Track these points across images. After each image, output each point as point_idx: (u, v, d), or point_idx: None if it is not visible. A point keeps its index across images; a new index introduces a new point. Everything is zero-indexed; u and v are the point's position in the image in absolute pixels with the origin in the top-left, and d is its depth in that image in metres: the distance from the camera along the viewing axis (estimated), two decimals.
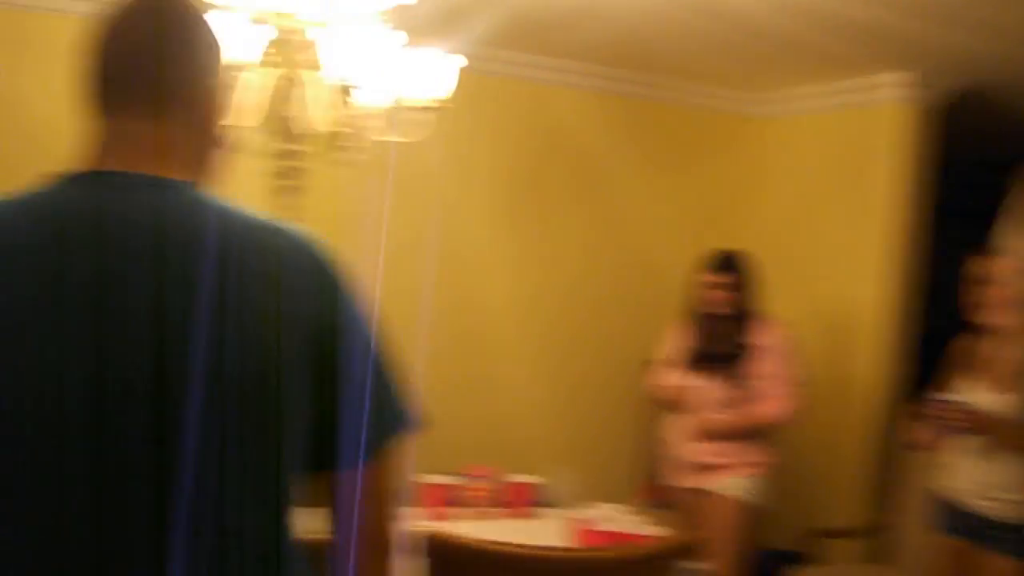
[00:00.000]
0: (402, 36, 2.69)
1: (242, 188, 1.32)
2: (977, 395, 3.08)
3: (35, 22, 3.86)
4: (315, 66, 2.48)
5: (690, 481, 3.83)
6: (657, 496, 4.07)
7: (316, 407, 1.09)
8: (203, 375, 0.99)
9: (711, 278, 3.78)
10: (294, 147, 2.69)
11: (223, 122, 1.22)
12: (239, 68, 2.36)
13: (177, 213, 1.08)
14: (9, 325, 1.00)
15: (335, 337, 1.10)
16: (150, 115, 1.13)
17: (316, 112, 2.50)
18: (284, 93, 2.46)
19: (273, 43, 2.43)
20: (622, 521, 3.11)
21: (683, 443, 3.84)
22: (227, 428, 1.03)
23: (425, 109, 2.83)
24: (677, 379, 3.86)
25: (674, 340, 3.98)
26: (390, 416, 1.16)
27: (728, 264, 3.79)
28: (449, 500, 3.24)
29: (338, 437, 1.11)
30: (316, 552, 1.16)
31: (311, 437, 1.10)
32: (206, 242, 1.05)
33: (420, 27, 3.00)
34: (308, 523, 1.16)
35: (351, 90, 2.55)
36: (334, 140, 2.76)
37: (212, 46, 1.18)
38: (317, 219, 1.32)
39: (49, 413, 1.00)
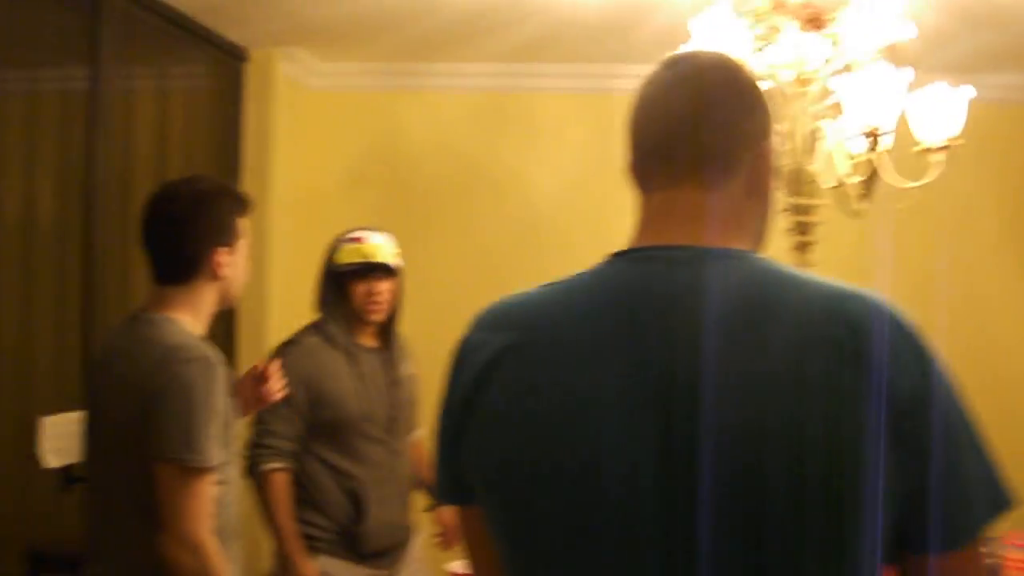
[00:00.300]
0: (909, 73, 2.50)
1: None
2: None
3: (540, 101, 4.22)
4: (833, 115, 2.39)
5: None
6: None
7: (901, 486, 0.98)
8: (783, 462, 0.94)
9: None
10: (812, 201, 2.60)
11: (775, 187, 1.17)
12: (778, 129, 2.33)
13: (741, 282, 1.02)
14: (586, 411, 1.01)
15: (925, 408, 0.98)
16: (692, 185, 1.09)
17: (838, 162, 2.40)
18: (808, 146, 2.40)
19: (789, 96, 2.39)
20: None
21: None
22: (802, 509, 0.96)
23: (940, 149, 2.59)
24: None
25: None
26: (987, 495, 1.01)
27: None
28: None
29: (927, 521, 0.98)
30: None
31: (891, 520, 0.99)
32: (780, 313, 0.99)
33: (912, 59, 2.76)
34: None
35: (872, 135, 2.42)
36: (852, 189, 2.63)
37: (757, 108, 1.11)
38: (827, 271, 1.20)
39: (624, 501, 0.98)
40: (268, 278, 3.91)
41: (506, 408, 1.05)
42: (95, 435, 1.96)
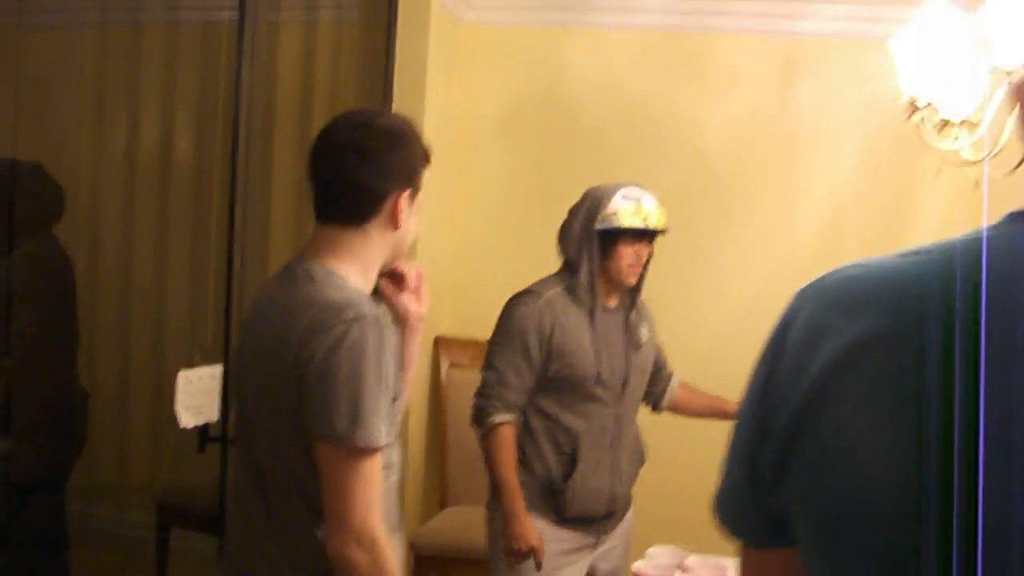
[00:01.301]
0: None
1: None
2: None
3: (716, 41, 3.85)
4: None
5: None
6: None
7: None
8: None
9: None
10: None
11: None
12: None
13: None
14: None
15: None
16: None
17: None
18: None
19: None
20: None
21: None
22: None
23: None
24: None
25: None
26: None
27: None
28: None
29: None
30: None
31: None
32: None
33: None
34: None
35: None
36: None
37: None
38: None
39: None
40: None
41: (872, 422, 0.70)
42: (245, 407, 1.70)
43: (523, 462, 2.48)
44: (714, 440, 3.74)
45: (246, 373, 1.69)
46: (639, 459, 2.65)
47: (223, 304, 2.60)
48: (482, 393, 2.51)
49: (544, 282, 2.57)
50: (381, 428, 1.52)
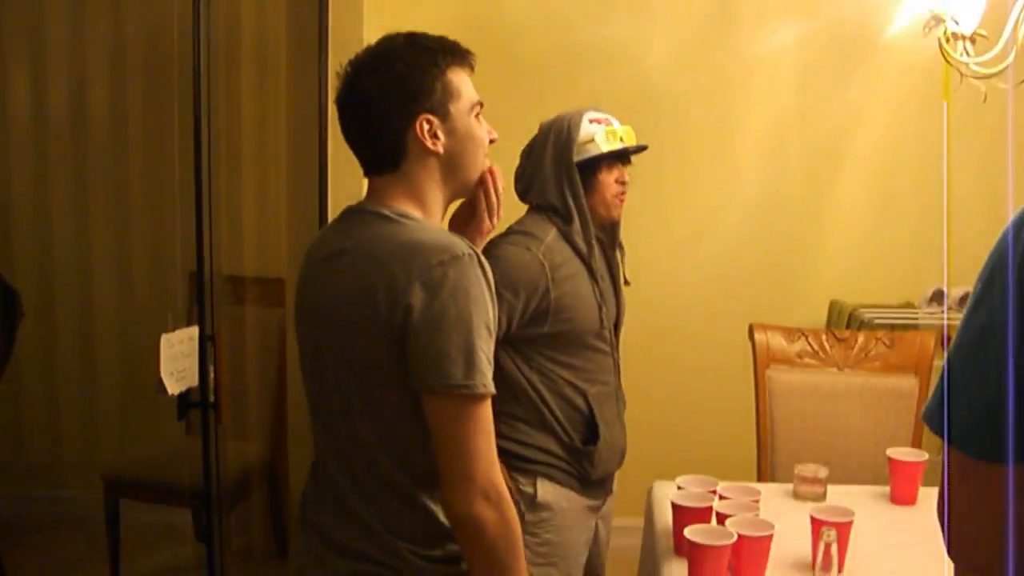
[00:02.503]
0: None
1: None
2: None
3: None
4: None
5: None
6: None
7: None
8: None
9: None
10: None
11: None
12: None
13: None
14: None
15: None
16: None
17: None
18: None
19: None
20: None
21: None
22: None
23: None
24: None
25: None
26: None
27: None
28: None
29: None
30: None
31: None
32: None
33: None
34: None
35: None
36: None
37: None
38: None
39: None
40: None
41: None
42: (321, 368, 1.57)
43: (541, 427, 2.27)
44: (681, 371, 3.73)
45: (320, 330, 1.56)
46: (624, 403, 2.51)
47: (194, 265, 2.43)
48: None
49: (535, 221, 2.29)
50: (489, 372, 1.43)
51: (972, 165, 3.67)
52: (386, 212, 1.52)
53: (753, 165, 3.81)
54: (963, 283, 3.55)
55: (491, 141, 1.61)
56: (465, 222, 1.74)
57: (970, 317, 0.92)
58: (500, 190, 1.71)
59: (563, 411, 2.28)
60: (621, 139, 2.32)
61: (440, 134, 1.53)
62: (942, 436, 0.93)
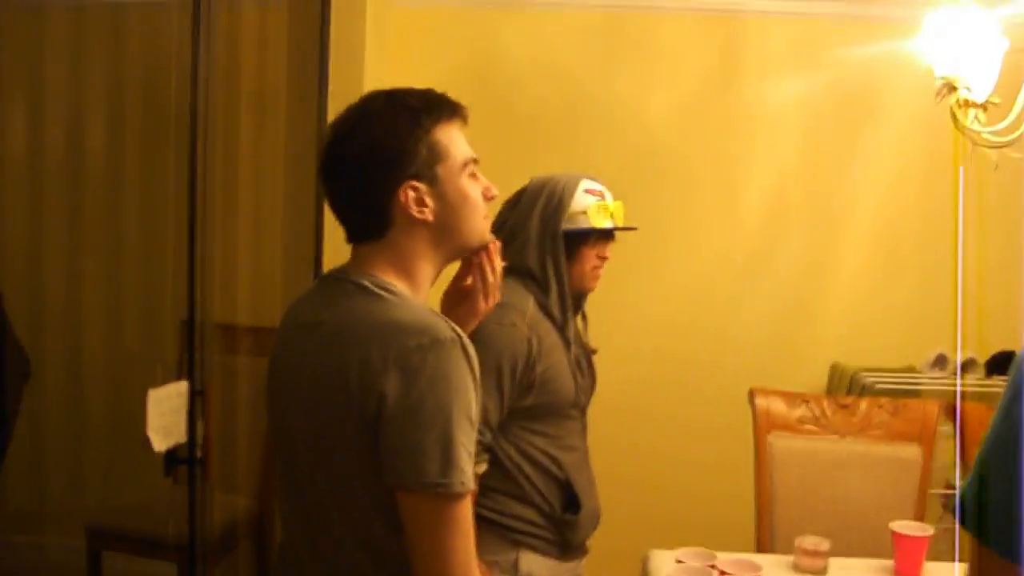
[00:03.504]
0: None
1: None
2: None
3: (656, 22, 3.78)
4: None
5: None
6: None
7: None
8: None
9: None
10: None
11: None
12: None
13: None
14: None
15: None
16: None
17: None
18: None
19: None
20: None
21: None
22: None
23: None
24: None
25: None
26: None
27: None
28: None
29: None
30: None
31: None
32: None
33: None
34: None
35: None
36: None
37: None
38: None
39: None
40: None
41: None
42: (291, 446, 1.45)
43: (522, 500, 2.19)
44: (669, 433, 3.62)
45: (292, 407, 1.44)
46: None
47: (185, 314, 2.38)
48: None
49: (513, 290, 2.15)
50: (469, 468, 1.31)
51: (977, 230, 3.65)
52: (367, 284, 1.41)
53: (755, 223, 3.77)
54: (966, 348, 3.50)
55: (489, 198, 1.51)
56: (457, 302, 1.66)
57: (1008, 410, 0.88)
58: (498, 268, 1.64)
59: (541, 481, 2.21)
60: (612, 215, 2.25)
61: (428, 200, 1.42)
62: (970, 529, 0.91)
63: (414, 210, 1.41)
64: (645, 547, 2.48)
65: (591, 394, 2.36)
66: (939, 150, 3.65)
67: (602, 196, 2.25)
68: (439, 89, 1.47)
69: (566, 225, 2.20)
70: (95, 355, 3.26)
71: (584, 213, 2.21)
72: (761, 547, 2.71)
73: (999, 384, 3.51)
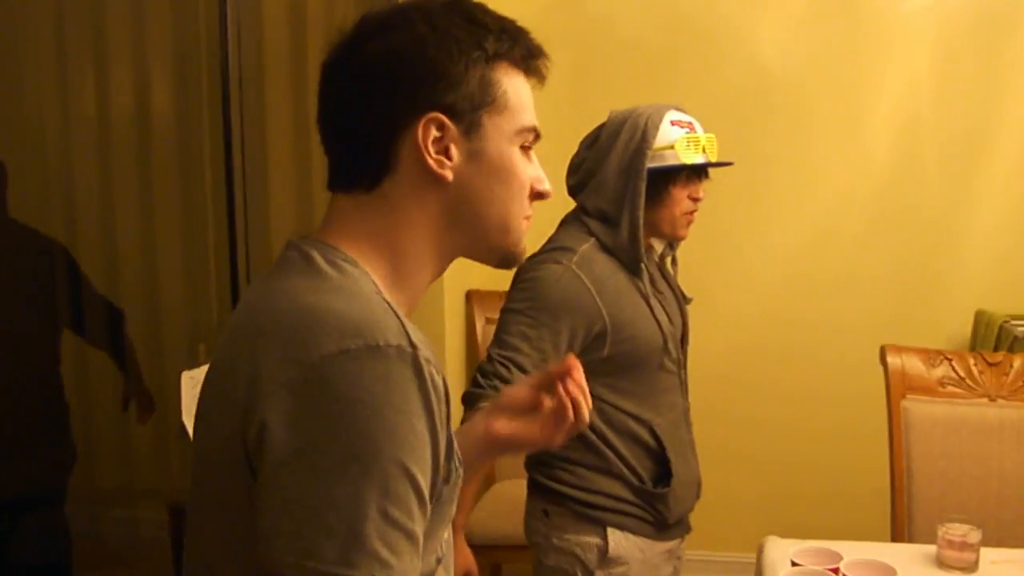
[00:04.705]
0: None
1: None
2: None
3: None
4: None
5: None
6: None
7: None
8: None
9: None
10: None
11: None
12: None
13: None
14: None
15: None
16: None
17: None
18: None
19: None
20: None
21: None
22: None
23: None
24: None
25: None
26: None
27: None
28: None
29: None
30: None
31: None
32: None
33: None
34: None
35: None
36: None
37: None
38: None
39: None
40: None
41: None
42: (196, 457, 1.00)
43: (606, 471, 1.94)
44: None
45: (197, 426, 1.02)
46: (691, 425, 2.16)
47: (228, 286, 2.15)
48: (487, 371, 1.81)
49: (569, 234, 1.95)
50: (404, 550, 0.84)
51: None
52: (315, 254, 0.98)
53: (882, 158, 3.33)
54: None
55: (539, 194, 1.09)
56: (515, 412, 1.26)
57: None
58: (580, 398, 1.22)
59: (629, 450, 1.95)
60: (704, 149, 1.95)
61: (455, 151, 1.01)
62: None
63: (431, 157, 0.99)
64: (762, 531, 2.16)
65: (685, 344, 2.09)
66: None
67: (691, 128, 1.94)
68: (528, 25, 1.07)
69: (651, 163, 1.91)
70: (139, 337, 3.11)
71: (672, 148, 1.92)
72: (897, 534, 2.34)
73: None
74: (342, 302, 0.91)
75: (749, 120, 3.33)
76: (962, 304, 3.25)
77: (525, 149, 1.06)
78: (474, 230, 1.05)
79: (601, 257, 1.92)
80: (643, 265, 1.95)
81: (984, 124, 3.25)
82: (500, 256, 1.08)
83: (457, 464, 0.96)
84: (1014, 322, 3.02)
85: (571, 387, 1.21)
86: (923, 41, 3.26)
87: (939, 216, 3.31)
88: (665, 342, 1.96)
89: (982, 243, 3.29)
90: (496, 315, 3.59)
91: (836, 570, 1.71)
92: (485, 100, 1.01)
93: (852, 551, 1.81)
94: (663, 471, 1.96)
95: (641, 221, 1.90)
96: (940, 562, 1.95)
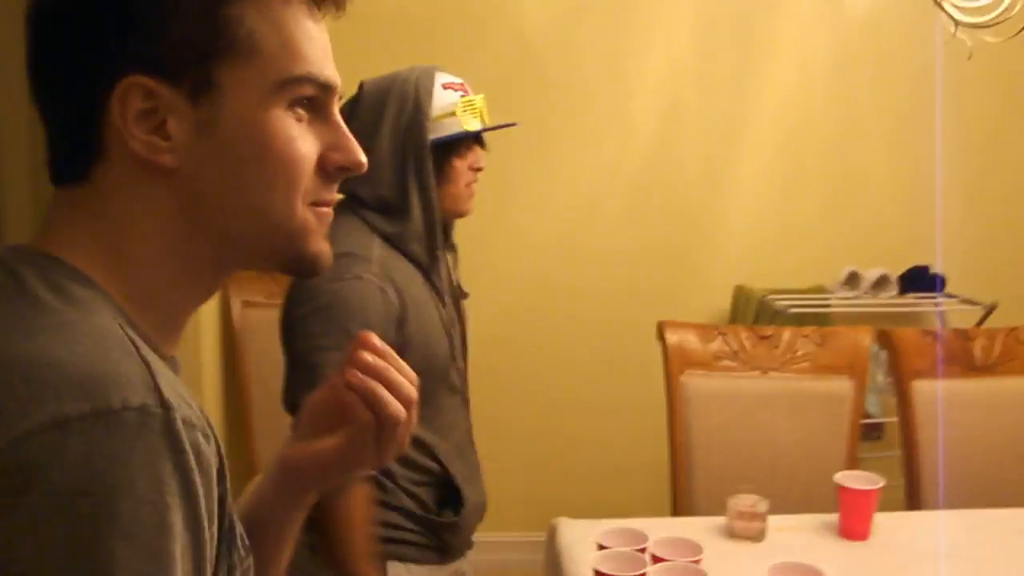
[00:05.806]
0: None
1: None
2: None
3: None
4: None
5: None
6: None
7: None
8: None
9: None
10: None
11: None
12: None
13: None
14: None
15: None
16: None
17: None
18: None
19: None
20: None
21: None
22: None
23: None
24: None
25: None
26: None
27: None
28: None
29: None
30: None
31: None
32: None
33: None
34: None
35: None
36: None
37: None
38: None
39: None
40: None
41: None
42: None
43: (382, 502, 1.71)
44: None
45: None
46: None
47: None
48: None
49: (348, 232, 1.68)
50: None
51: (883, 138, 3.37)
52: (28, 276, 0.70)
53: (646, 136, 3.37)
54: (878, 264, 3.23)
55: (341, 168, 0.80)
56: (328, 425, 0.90)
57: None
58: (371, 385, 0.85)
59: (409, 478, 1.74)
60: (481, 114, 1.77)
61: (175, 125, 0.72)
62: None
63: (135, 138, 0.72)
64: (540, 507, 2.10)
65: (466, 352, 1.89)
66: (846, 47, 3.33)
67: (464, 90, 1.76)
68: None
69: (432, 134, 1.71)
70: None
71: (452, 115, 1.72)
72: (678, 504, 2.36)
73: (913, 302, 3.26)
74: (63, 347, 0.64)
75: (518, 90, 3.26)
76: (723, 280, 3.36)
77: (295, 106, 0.76)
78: (226, 231, 0.76)
79: (395, 259, 1.70)
80: (438, 262, 1.76)
81: (741, 107, 3.36)
82: (283, 263, 0.80)
83: (241, 555, 0.74)
84: (771, 296, 3.15)
85: (352, 376, 0.85)
86: (685, 18, 3.32)
87: (699, 193, 3.38)
88: (453, 355, 1.78)
89: (738, 221, 3.40)
90: (256, 299, 3.35)
91: (643, 550, 1.67)
92: (216, 46, 0.72)
93: (651, 528, 1.78)
94: (448, 494, 1.78)
95: (436, 202, 1.71)
96: (731, 533, 1.97)
